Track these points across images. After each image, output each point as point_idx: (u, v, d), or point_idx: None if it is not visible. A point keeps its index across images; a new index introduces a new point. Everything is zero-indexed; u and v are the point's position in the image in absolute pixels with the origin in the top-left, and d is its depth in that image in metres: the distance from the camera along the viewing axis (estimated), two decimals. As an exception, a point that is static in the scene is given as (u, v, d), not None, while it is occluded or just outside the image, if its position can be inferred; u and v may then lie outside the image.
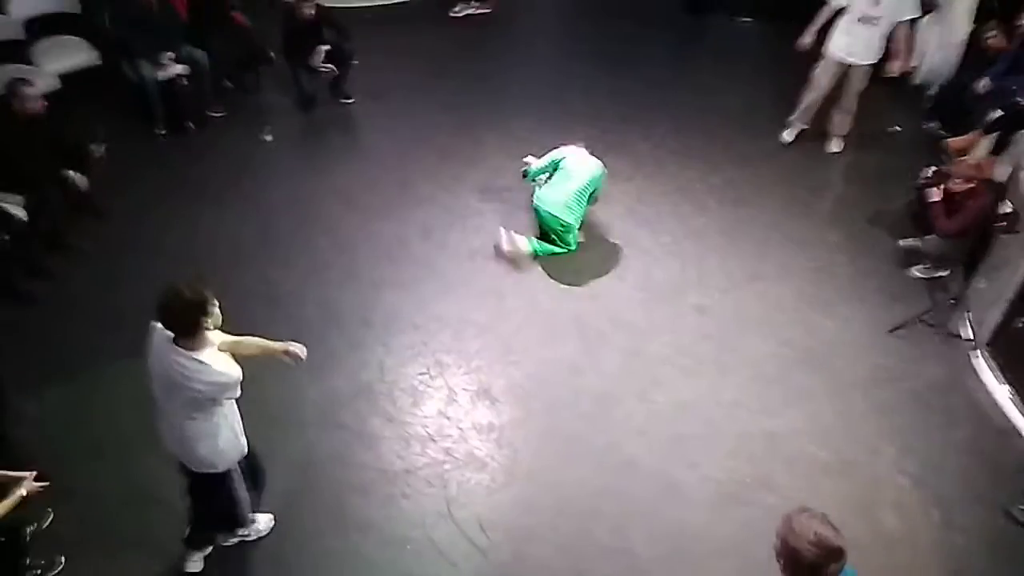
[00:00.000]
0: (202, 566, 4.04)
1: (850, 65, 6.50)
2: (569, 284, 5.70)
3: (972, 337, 5.31)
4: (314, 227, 6.01)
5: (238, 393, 3.42)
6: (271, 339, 3.71)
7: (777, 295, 5.69)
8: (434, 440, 4.66)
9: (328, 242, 5.90)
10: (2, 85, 5.33)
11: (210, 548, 4.06)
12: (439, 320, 5.36)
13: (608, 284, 5.72)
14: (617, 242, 6.05)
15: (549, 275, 5.75)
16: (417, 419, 4.77)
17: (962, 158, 5.85)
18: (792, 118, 7.03)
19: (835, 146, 7.05)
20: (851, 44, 6.39)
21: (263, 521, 4.22)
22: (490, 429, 4.75)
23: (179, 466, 3.66)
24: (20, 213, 5.24)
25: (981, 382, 5.14)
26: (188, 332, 3.24)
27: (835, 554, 2.48)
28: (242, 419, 3.59)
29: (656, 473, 4.55)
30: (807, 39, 6.51)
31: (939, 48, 7.41)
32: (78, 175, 5.51)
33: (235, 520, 3.98)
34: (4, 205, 5.19)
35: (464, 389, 4.96)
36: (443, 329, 5.31)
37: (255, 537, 4.17)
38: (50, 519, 4.08)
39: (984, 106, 6.63)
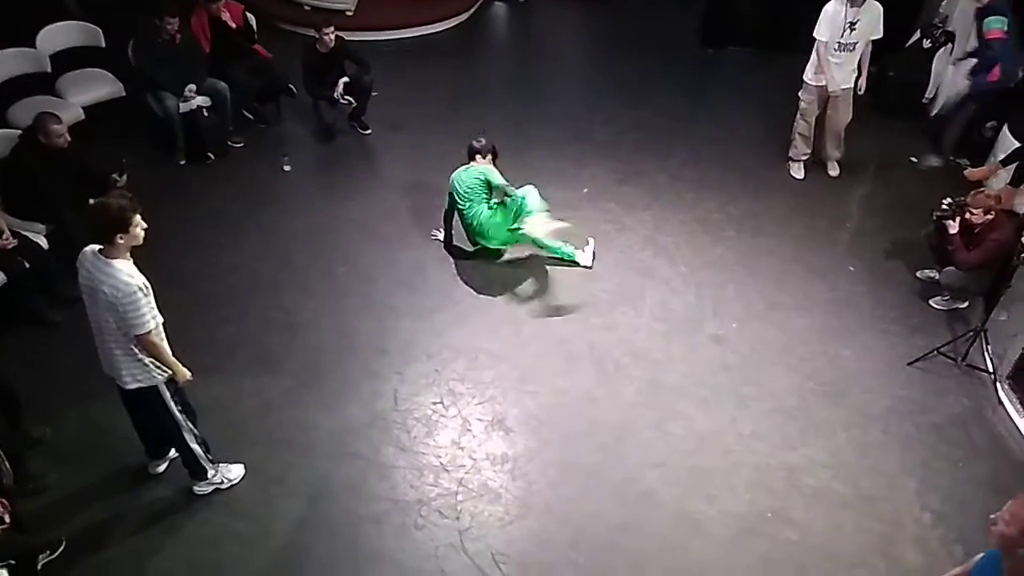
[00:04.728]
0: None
1: (831, 91, 6.58)
2: (585, 314, 5.67)
3: (992, 370, 5.24)
4: (332, 255, 6.05)
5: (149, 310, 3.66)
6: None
7: (797, 326, 5.65)
8: (447, 470, 4.63)
9: (346, 270, 5.93)
10: (30, 117, 5.44)
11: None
12: (454, 349, 5.35)
13: (625, 314, 5.69)
14: (634, 271, 6.04)
15: (565, 305, 5.74)
16: (431, 449, 4.74)
17: (980, 189, 5.81)
18: (792, 153, 7.06)
19: (833, 170, 7.12)
20: (832, 71, 6.49)
21: (235, 469, 4.39)
22: (504, 460, 4.71)
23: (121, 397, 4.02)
24: (41, 241, 5.35)
25: (1002, 415, 5.06)
26: (104, 241, 3.62)
27: None
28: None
29: (674, 506, 4.50)
30: (811, 73, 6.60)
31: (955, 79, 7.41)
32: (100, 204, 5.58)
33: (187, 448, 4.14)
34: (26, 233, 5.28)
35: (478, 419, 4.94)
36: (458, 358, 5.30)
37: (228, 485, 4.34)
38: (62, 547, 4.07)
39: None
